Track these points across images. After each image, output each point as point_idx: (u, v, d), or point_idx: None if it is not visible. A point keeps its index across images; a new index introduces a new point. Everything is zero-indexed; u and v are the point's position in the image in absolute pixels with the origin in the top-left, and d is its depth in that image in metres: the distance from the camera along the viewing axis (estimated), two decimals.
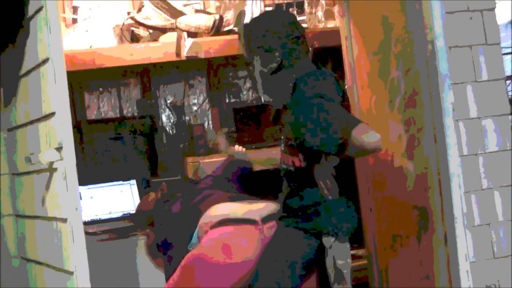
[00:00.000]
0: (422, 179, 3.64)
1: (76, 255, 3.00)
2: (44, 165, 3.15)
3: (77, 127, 4.76)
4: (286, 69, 3.29)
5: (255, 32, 3.35)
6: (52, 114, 3.05)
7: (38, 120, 3.24)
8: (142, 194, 4.61)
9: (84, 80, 4.85)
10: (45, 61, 3.08)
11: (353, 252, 4.62)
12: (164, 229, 3.78)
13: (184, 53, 4.48)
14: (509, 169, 4.12)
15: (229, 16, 4.87)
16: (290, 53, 3.29)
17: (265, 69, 3.32)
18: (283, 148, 3.45)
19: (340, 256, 3.39)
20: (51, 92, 3.05)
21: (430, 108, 3.52)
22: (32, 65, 3.23)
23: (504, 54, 6.76)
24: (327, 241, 3.35)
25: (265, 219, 3.55)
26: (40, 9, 3.09)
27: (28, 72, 3.32)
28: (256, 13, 4.90)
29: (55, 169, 3.09)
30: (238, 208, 3.62)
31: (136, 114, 4.97)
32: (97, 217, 4.50)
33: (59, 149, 2.99)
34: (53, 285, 3.38)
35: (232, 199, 3.70)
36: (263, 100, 3.72)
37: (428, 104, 3.53)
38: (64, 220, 3.05)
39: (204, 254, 3.51)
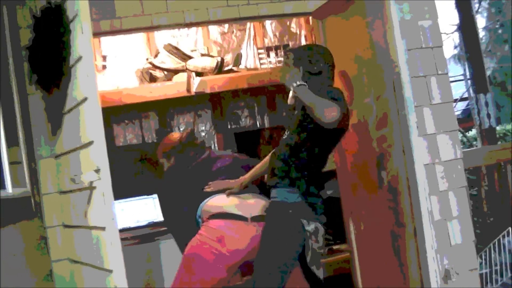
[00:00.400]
0: (394, 185, 3.58)
1: (113, 256, 2.91)
2: (85, 184, 3.08)
3: (109, 152, 4.67)
4: None
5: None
6: (91, 142, 2.98)
7: (79, 148, 3.16)
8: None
9: (112, 114, 4.75)
10: (83, 100, 3.02)
11: (337, 247, 4.61)
12: (183, 169, 3.72)
13: (194, 90, 4.45)
14: (460, 174, 4.11)
15: (228, 58, 4.87)
16: None
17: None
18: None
19: (317, 240, 3.33)
20: (89, 125, 2.99)
21: (398, 127, 3.48)
22: (73, 104, 3.17)
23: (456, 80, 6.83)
24: (311, 228, 3.29)
25: (255, 219, 3.48)
26: (79, 59, 3.05)
27: (69, 110, 3.26)
28: (250, 55, 4.88)
29: (94, 187, 3.01)
30: (233, 203, 3.55)
31: (155, 141, 4.89)
32: (127, 226, 4.40)
33: (97, 170, 2.92)
34: (93, 281, 3.30)
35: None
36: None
37: (397, 124, 3.49)
38: (103, 229, 2.97)
39: (202, 242, 3.47)
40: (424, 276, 3.41)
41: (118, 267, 2.91)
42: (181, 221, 3.68)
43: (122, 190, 4.48)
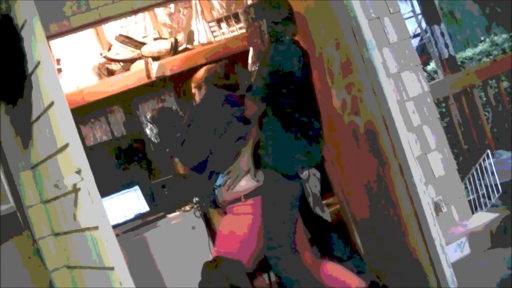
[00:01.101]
0: (371, 127, 3.60)
1: (112, 252, 2.91)
2: (69, 187, 3.06)
3: None
4: None
5: None
6: (66, 145, 2.95)
7: (56, 152, 3.13)
8: (145, 196, 4.52)
9: (77, 116, 4.68)
10: (51, 104, 2.98)
11: (324, 201, 4.63)
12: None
13: (154, 75, 4.41)
14: (431, 107, 4.18)
15: (181, 37, 4.82)
16: None
17: None
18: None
19: (313, 184, 3.44)
20: (62, 127, 2.96)
21: (365, 70, 3.49)
22: (41, 110, 3.12)
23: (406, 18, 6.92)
24: (304, 175, 3.39)
25: (248, 196, 3.48)
26: (37, 65, 3.01)
27: (38, 118, 3.22)
28: (202, 30, 4.85)
29: (79, 189, 3.00)
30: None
31: (124, 133, 4.85)
32: (116, 223, 4.39)
33: (78, 171, 2.90)
34: (95, 282, 3.30)
35: None
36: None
37: (362, 68, 3.49)
38: (96, 228, 2.96)
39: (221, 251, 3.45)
40: (418, 210, 3.45)
41: (119, 263, 2.91)
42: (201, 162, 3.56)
43: (102, 189, 4.50)
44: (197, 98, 3.70)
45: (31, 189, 3.60)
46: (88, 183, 2.90)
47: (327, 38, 3.67)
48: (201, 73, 3.72)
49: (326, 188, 4.39)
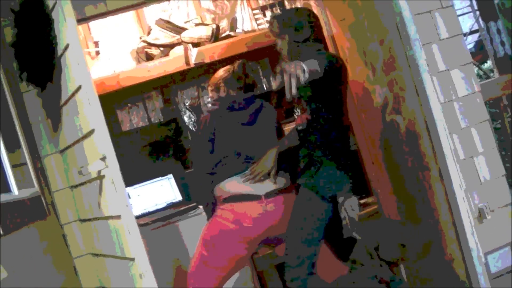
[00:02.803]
0: (411, 128, 3.51)
1: (133, 243, 2.89)
2: (93, 174, 3.05)
3: (117, 139, 4.66)
4: None
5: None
6: (92, 131, 2.94)
7: (82, 138, 3.13)
8: (179, 186, 4.50)
9: (112, 100, 4.71)
10: (78, 88, 2.97)
11: (363, 201, 4.55)
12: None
13: (192, 61, 4.37)
14: (480, 108, 4.02)
15: (224, 24, 4.76)
16: None
17: None
18: (298, 113, 3.41)
19: (350, 208, 3.45)
20: (88, 113, 2.94)
21: (408, 68, 3.40)
22: (68, 95, 3.12)
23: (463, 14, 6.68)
24: (341, 199, 3.40)
25: (268, 195, 3.46)
26: (66, 48, 3.00)
27: (66, 102, 3.22)
28: (246, 18, 4.78)
29: (103, 176, 2.98)
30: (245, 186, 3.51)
31: (162, 120, 4.83)
32: (146, 210, 4.38)
33: (103, 158, 2.88)
34: (117, 272, 3.30)
35: None
36: None
37: (406, 65, 3.42)
38: (118, 217, 2.95)
39: (219, 223, 3.49)
40: (455, 217, 3.35)
41: (140, 254, 2.88)
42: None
43: (136, 176, 4.51)
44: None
45: (59, 173, 3.61)
46: (112, 171, 2.88)
47: (371, 33, 3.58)
48: (219, 74, 3.71)
49: (363, 190, 4.32)
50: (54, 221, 3.48)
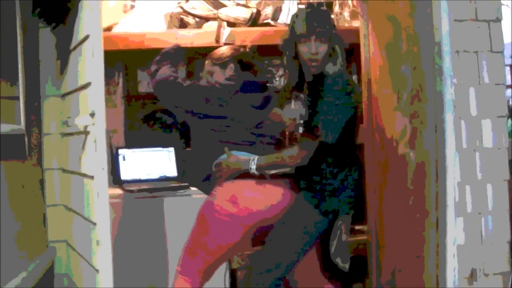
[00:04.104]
0: (421, 167, 3.37)
1: (99, 209, 2.83)
2: (80, 128, 2.97)
3: (129, 98, 4.63)
4: None
5: None
6: (88, 84, 2.85)
7: (78, 89, 3.05)
8: (178, 161, 4.40)
9: (138, 59, 4.60)
10: (85, 38, 2.90)
11: (359, 227, 4.41)
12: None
13: (222, 40, 4.24)
14: (503, 165, 3.86)
15: (268, 11, 4.63)
16: None
17: None
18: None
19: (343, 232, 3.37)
20: (88, 65, 2.87)
21: (433, 103, 3.25)
22: (77, 41, 3.04)
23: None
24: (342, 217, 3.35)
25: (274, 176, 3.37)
26: None
27: (74, 48, 3.16)
28: (293, 10, 4.64)
29: (88, 133, 2.90)
30: None
31: None
32: (137, 177, 4.29)
33: (92, 115, 2.80)
34: (81, 231, 3.24)
35: None
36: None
37: (432, 100, 3.26)
38: (91, 177, 2.87)
39: (215, 203, 3.37)
40: (440, 273, 3.20)
41: (102, 221, 2.83)
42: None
43: (137, 139, 4.43)
44: (218, 76, 3.56)
45: (55, 117, 3.58)
46: (97, 129, 2.81)
47: (406, 57, 3.43)
48: (224, 50, 3.61)
49: (360, 216, 4.18)
50: (30, 165, 3.40)
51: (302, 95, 3.39)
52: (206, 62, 3.64)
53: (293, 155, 3.27)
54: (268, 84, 3.71)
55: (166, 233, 4.01)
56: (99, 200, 2.81)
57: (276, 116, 3.49)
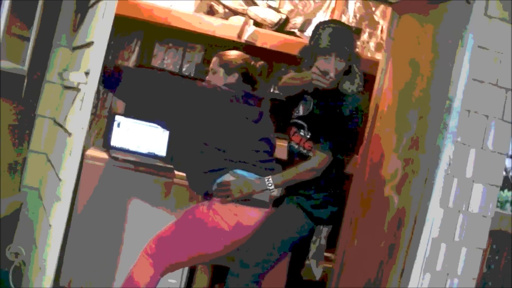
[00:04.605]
0: (402, 214, 3.31)
1: (69, 166, 2.76)
2: (75, 84, 2.93)
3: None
4: None
5: None
6: (92, 43, 2.79)
7: (84, 46, 3.01)
8: (171, 143, 4.34)
9: (159, 33, 4.56)
10: None
11: (328, 254, 4.34)
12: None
13: (244, 37, 4.19)
14: (483, 234, 3.77)
15: (298, 21, 4.57)
16: None
17: None
18: (308, 135, 3.23)
19: (324, 237, 3.28)
20: (97, 25, 2.80)
21: (430, 155, 3.18)
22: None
23: None
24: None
25: (272, 202, 3.26)
26: None
27: (92, 5, 3.12)
28: None
29: (79, 90, 2.85)
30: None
31: (191, 75, 4.66)
32: (126, 147, 4.24)
33: (87, 73, 2.75)
34: (51, 184, 3.18)
35: None
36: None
37: (430, 152, 3.20)
38: (70, 135, 2.81)
39: (209, 215, 3.20)
40: None
41: (68, 180, 2.76)
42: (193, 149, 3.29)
43: (137, 110, 4.35)
44: (218, 78, 3.40)
45: (61, 66, 3.50)
46: (88, 89, 2.74)
47: (416, 103, 3.36)
48: (236, 56, 3.43)
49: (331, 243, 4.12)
50: (25, 108, 3.35)
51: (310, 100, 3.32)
52: (214, 59, 3.46)
53: (313, 166, 3.16)
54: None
55: (127, 209, 3.95)
56: (71, 158, 2.74)
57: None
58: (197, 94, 3.19)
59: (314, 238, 3.27)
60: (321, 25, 3.24)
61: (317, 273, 3.36)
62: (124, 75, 3.08)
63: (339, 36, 3.14)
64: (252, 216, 3.21)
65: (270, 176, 3.19)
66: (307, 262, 3.36)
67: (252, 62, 3.43)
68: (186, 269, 3.93)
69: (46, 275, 2.75)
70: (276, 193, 3.27)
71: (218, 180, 3.21)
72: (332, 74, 3.10)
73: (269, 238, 3.20)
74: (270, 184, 3.18)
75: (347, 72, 3.17)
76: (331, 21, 3.37)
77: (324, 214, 3.24)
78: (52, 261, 2.74)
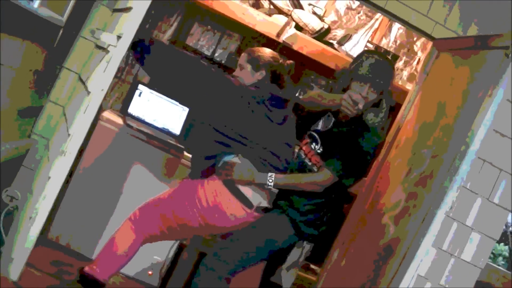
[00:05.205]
0: (394, 244, 3.27)
1: (79, 123, 2.80)
2: (105, 45, 2.94)
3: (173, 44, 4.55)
4: None
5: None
6: (130, 8, 2.81)
7: (124, 10, 3.01)
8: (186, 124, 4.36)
9: (201, 13, 4.55)
10: None
11: (315, 267, 4.34)
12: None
13: (283, 38, 4.18)
14: (469, 282, 3.76)
15: (338, 33, 4.56)
16: None
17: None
18: (319, 150, 3.25)
19: (303, 254, 3.34)
20: None
21: (434, 195, 3.14)
22: None
23: None
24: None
25: (258, 209, 3.25)
26: None
27: None
28: (360, 44, 4.57)
29: (108, 52, 2.86)
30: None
31: (222, 62, 4.66)
32: (143, 118, 4.26)
33: (119, 37, 2.75)
34: (59, 138, 3.20)
35: None
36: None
37: (435, 192, 3.15)
38: (89, 93, 2.82)
39: (199, 192, 3.22)
40: None
41: (77, 135, 2.80)
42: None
43: (160, 85, 4.37)
44: (245, 74, 3.36)
45: (99, 25, 3.50)
46: (116, 52, 2.76)
47: (433, 142, 3.34)
48: (265, 53, 3.39)
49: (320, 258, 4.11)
50: (53, 57, 3.37)
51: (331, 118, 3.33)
52: (243, 54, 3.42)
53: (317, 181, 3.19)
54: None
55: (127, 178, 3.99)
56: (84, 116, 2.76)
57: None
58: (223, 89, 3.17)
59: (294, 251, 3.31)
60: (366, 53, 3.27)
61: (286, 284, 3.38)
62: (156, 49, 3.07)
63: (379, 69, 3.17)
64: (233, 207, 3.20)
65: (273, 174, 3.20)
66: (281, 270, 3.38)
67: (281, 60, 3.40)
68: (173, 247, 3.93)
69: (33, 226, 2.77)
70: (267, 204, 3.29)
71: (225, 159, 3.22)
72: (360, 106, 3.11)
73: (253, 243, 3.22)
74: (271, 181, 3.19)
75: (376, 104, 3.18)
76: (377, 53, 3.38)
77: (311, 231, 3.27)
78: (43, 212, 2.76)
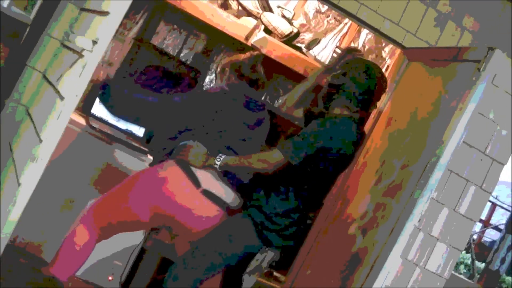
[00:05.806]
0: (362, 254, 3.36)
1: (52, 130, 2.77)
2: (78, 48, 2.92)
3: (140, 43, 4.53)
4: None
5: None
6: (107, 13, 2.80)
7: (98, 12, 3.00)
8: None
9: (168, 10, 4.56)
10: None
11: (278, 274, 4.40)
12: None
13: (252, 41, 4.23)
14: None
15: (307, 37, 4.62)
16: None
17: None
18: None
19: (268, 259, 3.37)
20: None
21: (403, 206, 3.24)
22: None
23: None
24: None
25: (206, 193, 3.30)
26: None
27: None
28: (328, 49, 4.66)
29: (82, 56, 2.85)
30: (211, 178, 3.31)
31: (188, 62, 4.68)
32: (106, 119, 4.25)
33: (95, 42, 2.75)
34: (29, 140, 3.14)
35: None
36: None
37: (403, 203, 3.25)
38: (62, 99, 2.81)
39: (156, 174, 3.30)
40: None
41: (50, 142, 2.76)
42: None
43: (126, 85, 4.36)
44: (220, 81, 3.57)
45: (64, 24, 3.47)
46: (92, 58, 2.74)
47: (403, 152, 3.43)
48: (231, 56, 3.61)
49: (284, 265, 4.18)
50: (18, 54, 3.33)
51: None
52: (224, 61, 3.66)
53: (266, 159, 3.23)
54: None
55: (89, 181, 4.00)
56: (57, 122, 2.74)
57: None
58: (199, 105, 3.38)
59: (258, 256, 3.36)
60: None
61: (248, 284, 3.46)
62: (119, 101, 3.41)
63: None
64: (182, 184, 3.25)
65: (223, 155, 3.27)
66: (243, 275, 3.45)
67: (243, 59, 3.51)
68: (134, 252, 3.95)
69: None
70: (235, 204, 3.35)
71: (182, 143, 3.32)
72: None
73: (218, 248, 3.26)
74: (219, 159, 3.25)
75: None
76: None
77: (277, 241, 3.32)
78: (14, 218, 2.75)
